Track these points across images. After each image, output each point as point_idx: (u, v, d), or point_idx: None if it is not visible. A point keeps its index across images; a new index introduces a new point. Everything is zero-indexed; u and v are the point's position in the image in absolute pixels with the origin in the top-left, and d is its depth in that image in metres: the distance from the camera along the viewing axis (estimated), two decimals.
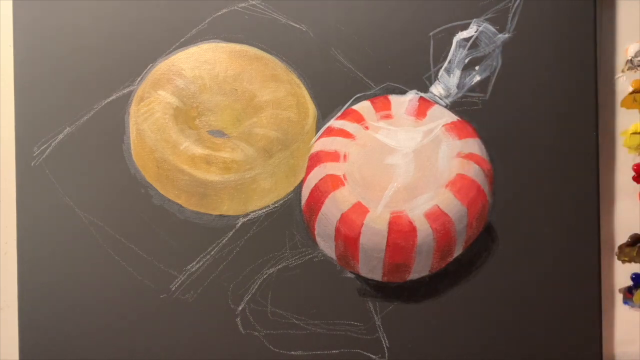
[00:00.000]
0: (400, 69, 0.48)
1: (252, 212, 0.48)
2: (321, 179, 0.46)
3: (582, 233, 0.48)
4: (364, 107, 0.48)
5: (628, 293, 0.50)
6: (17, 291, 0.49)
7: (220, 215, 0.48)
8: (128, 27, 0.48)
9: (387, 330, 0.48)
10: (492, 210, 0.47)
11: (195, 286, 0.48)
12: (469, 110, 0.48)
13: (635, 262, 0.50)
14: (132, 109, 0.48)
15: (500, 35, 0.48)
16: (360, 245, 0.45)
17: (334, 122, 0.48)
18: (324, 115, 0.48)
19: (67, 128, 0.49)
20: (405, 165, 0.46)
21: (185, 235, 0.48)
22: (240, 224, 0.48)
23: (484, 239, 0.47)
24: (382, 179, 0.46)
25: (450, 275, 0.47)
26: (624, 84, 0.49)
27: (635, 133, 0.49)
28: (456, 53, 0.48)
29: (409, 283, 0.47)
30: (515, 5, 0.47)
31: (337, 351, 0.48)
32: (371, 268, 0.46)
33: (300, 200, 0.48)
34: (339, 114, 0.48)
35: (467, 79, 0.48)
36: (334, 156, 0.46)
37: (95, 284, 0.48)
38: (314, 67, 0.48)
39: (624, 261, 0.50)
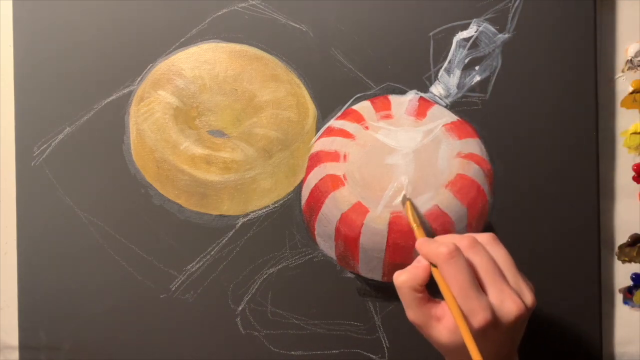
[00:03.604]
0: (400, 69, 0.48)
1: (252, 212, 0.48)
2: (321, 179, 0.46)
3: (582, 233, 0.48)
4: (364, 107, 0.48)
5: (628, 293, 0.50)
6: (17, 291, 0.49)
7: (220, 215, 0.48)
8: (128, 27, 0.48)
9: (387, 330, 0.48)
10: (492, 210, 0.47)
11: (195, 286, 0.48)
12: (469, 110, 0.48)
13: (635, 262, 0.50)
14: (132, 109, 0.48)
15: (500, 35, 0.48)
16: (360, 245, 0.45)
17: (334, 122, 0.48)
18: (324, 115, 0.48)
19: (67, 128, 0.49)
20: (405, 165, 0.46)
21: (185, 235, 0.48)
22: (240, 224, 0.48)
23: None
24: (382, 179, 0.46)
25: None
26: (624, 84, 0.49)
27: (635, 133, 0.49)
28: (456, 53, 0.48)
29: None
30: (515, 5, 0.47)
31: (337, 351, 0.48)
32: (371, 268, 0.46)
33: (300, 200, 0.48)
34: (339, 114, 0.48)
35: (467, 79, 0.48)
36: (334, 156, 0.46)
37: (95, 284, 0.48)
38: (314, 67, 0.48)
39: (624, 261, 0.50)
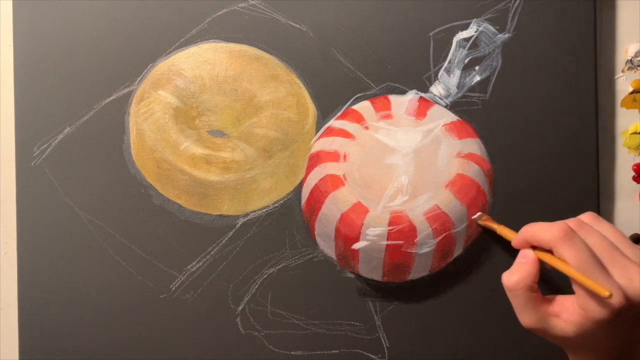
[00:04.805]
0: (400, 69, 0.48)
1: (252, 212, 0.48)
2: (321, 179, 0.46)
3: None
4: (364, 107, 0.48)
5: None
6: (17, 291, 0.49)
7: (220, 215, 0.48)
8: (128, 27, 0.48)
9: (387, 330, 0.48)
10: (492, 210, 0.47)
11: (195, 286, 0.48)
12: (469, 110, 0.48)
13: None
14: (132, 109, 0.48)
15: (500, 35, 0.48)
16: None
17: (334, 122, 0.48)
18: (324, 115, 0.48)
19: (67, 128, 0.49)
20: (405, 165, 0.46)
21: (185, 235, 0.48)
22: (240, 224, 0.48)
23: (484, 239, 0.47)
24: (382, 179, 0.46)
25: (450, 275, 0.47)
26: (624, 84, 0.49)
27: (635, 133, 0.49)
28: (456, 53, 0.48)
29: (409, 283, 0.47)
30: (515, 5, 0.47)
31: (337, 351, 0.48)
32: (371, 268, 0.46)
33: (300, 200, 0.48)
34: (339, 114, 0.48)
35: (467, 79, 0.48)
36: (334, 156, 0.46)
37: (96, 284, 0.48)
38: (314, 67, 0.48)
39: None
